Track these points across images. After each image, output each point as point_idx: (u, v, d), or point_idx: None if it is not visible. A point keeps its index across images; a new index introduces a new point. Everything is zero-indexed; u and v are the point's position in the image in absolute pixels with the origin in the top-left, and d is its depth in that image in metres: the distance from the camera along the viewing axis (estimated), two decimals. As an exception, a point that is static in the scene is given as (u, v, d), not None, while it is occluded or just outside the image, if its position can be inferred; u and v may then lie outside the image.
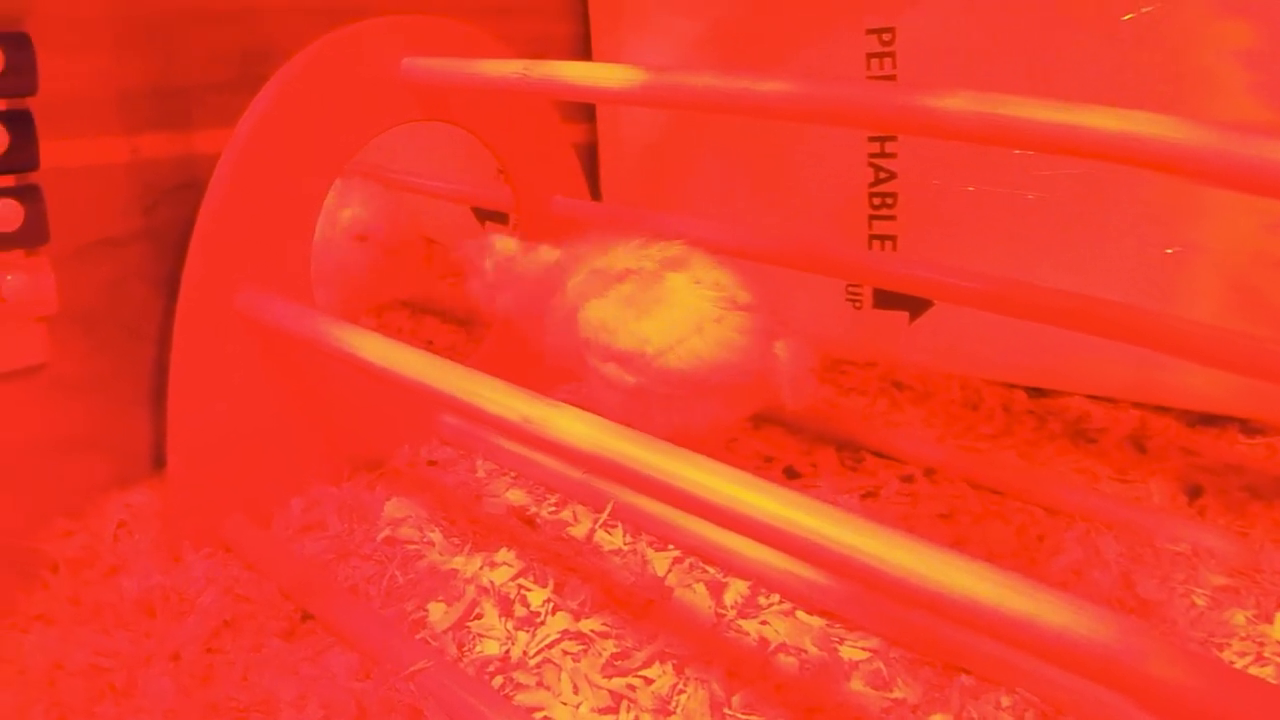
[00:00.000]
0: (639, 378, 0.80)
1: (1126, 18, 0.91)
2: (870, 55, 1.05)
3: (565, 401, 0.59)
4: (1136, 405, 1.00)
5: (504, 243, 0.91)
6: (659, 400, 0.81)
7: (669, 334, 0.79)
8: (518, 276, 0.90)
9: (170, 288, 0.86)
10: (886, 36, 1.04)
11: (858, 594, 0.70)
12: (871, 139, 1.08)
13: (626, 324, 0.80)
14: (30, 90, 0.76)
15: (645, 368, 0.80)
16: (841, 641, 0.69)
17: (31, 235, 0.77)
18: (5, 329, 0.79)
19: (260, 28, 0.94)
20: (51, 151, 0.78)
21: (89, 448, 0.87)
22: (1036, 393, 1.05)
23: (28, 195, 0.77)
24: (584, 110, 1.27)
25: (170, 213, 0.89)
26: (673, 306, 0.80)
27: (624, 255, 0.83)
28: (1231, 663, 0.66)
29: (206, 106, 0.91)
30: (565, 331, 0.85)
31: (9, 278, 0.77)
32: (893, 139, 1.06)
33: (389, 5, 0.89)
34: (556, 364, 0.89)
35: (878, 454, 0.94)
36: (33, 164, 0.77)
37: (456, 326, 1.23)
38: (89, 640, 0.73)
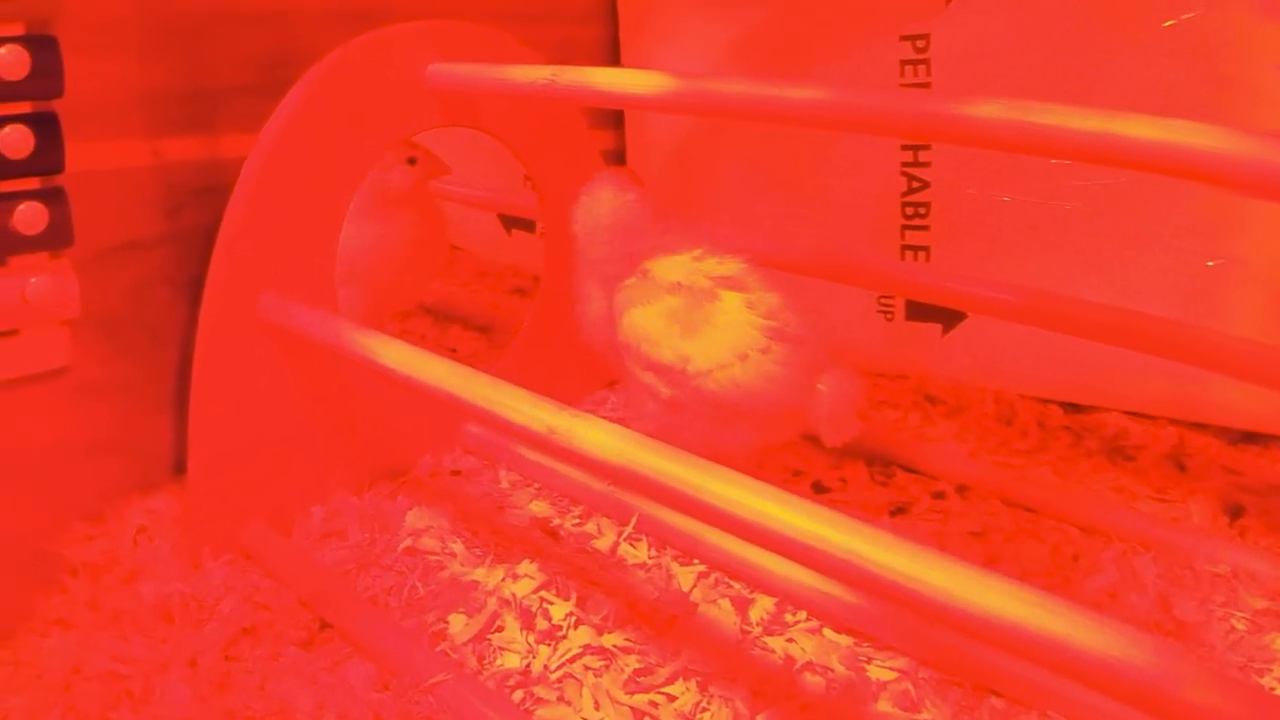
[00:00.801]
0: (675, 392, 0.80)
1: (1167, 24, 0.90)
2: (904, 62, 1.05)
3: (591, 412, 0.59)
4: (1175, 422, 0.99)
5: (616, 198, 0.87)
6: (693, 416, 0.80)
7: (711, 357, 0.78)
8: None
9: (194, 292, 0.87)
10: (920, 43, 1.03)
11: (886, 612, 0.69)
12: (904, 147, 1.07)
13: (670, 338, 0.80)
14: (57, 93, 0.77)
15: (683, 384, 0.79)
16: (869, 661, 0.69)
17: (56, 238, 0.78)
18: (28, 332, 0.79)
19: (287, 32, 0.95)
20: (77, 154, 0.79)
21: (110, 452, 0.88)
22: (1072, 408, 1.04)
23: (53, 198, 0.78)
24: (612, 117, 1.27)
25: (194, 217, 0.90)
26: (719, 329, 0.79)
27: (678, 265, 0.82)
28: (1271, 689, 0.65)
29: (232, 110, 0.92)
30: (608, 328, 0.85)
31: (33, 280, 0.78)
32: (926, 147, 1.06)
33: (416, 10, 0.90)
34: (597, 349, 0.88)
35: (909, 469, 0.94)
36: (58, 167, 0.78)
37: (480, 334, 1.24)
38: (107, 646, 0.74)
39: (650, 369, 0.81)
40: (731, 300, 0.80)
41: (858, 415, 0.80)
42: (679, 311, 0.80)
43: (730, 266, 0.81)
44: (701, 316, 0.79)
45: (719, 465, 0.52)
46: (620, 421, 0.59)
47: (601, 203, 0.85)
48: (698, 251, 0.82)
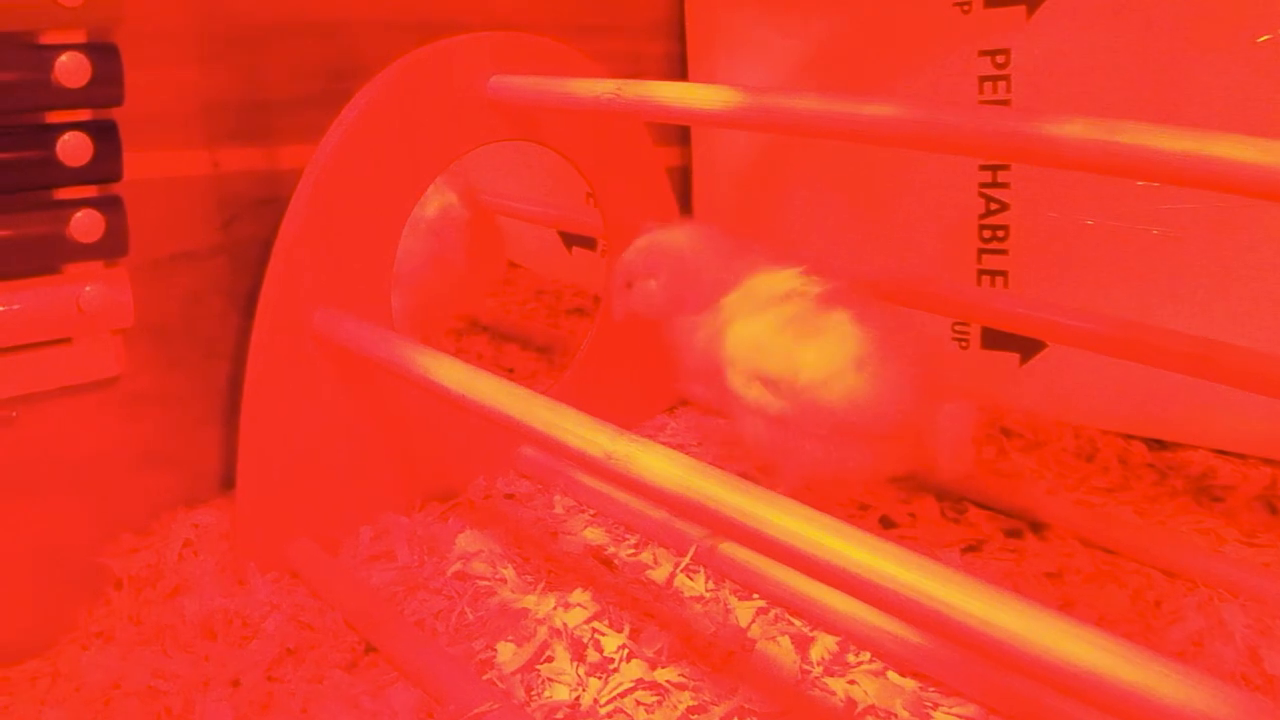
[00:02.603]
0: (785, 405, 0.79)
1: (1263, 39, 0.89)
2: (983, 78, 1.04)
3: (650, 438, 0.59)
4: (1268, 462, 0.97)
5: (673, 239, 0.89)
6: (804, 434, 0.79)
7: (826, 365, 0.77)
8: (679, 284, 0.88)
9: (247, 304, 0.88)
10: (1001, 59, 1.03)
11: (955, 656, 0.68)
12: (983, 167, 1.06)
13: (783, 346, 0.79)
14: (116, 101, 0.79)
15: (794, 396, 0.78)
16: (935, 707, 0.68)
17: (112, 247, 0.80)
18: (81, 340, 0.81)
19: (347, 43, 0.96)
20: (135, 163, 0.81)
21: (159, 464, 0.89)
22: (1157, 445, 1.02)
23: (109, 206, 0.80)
24: (678, 133, 1.28)
25: (250, 228, 0.92)
26: (834, 339, 0.78)
27: (786, 279, 0.82)
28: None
29: (290, 121, 0.93)
30: (706, 348, 0.85)
31: (87, 289, 0.79)
32: (1005, 168, 1.05)
33: (478, 21, 0.91)
34: (688, 383, 0.88)
35: (982, 505, 0.93)
36: (116, 175, 0.80)
37: (538, 354, 1.24)
38: (148, 661, 0.75)
39: (759, 380, 0.80)
40: (840, 315, 0.79)
41: (973, 448, 0.79)
42: (794, 318, 0.79)
43: (836, 283, 0.81)
44: (817, 325, 0.79)
45: (782, 496, 0.52)
46: (680, 448, 0.59)
47: (681, 234, 0.86)
48: (801, 268, 0.82)
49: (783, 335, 0.79)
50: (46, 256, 0.78)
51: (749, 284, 0.83)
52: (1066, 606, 0.78)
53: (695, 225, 0.88)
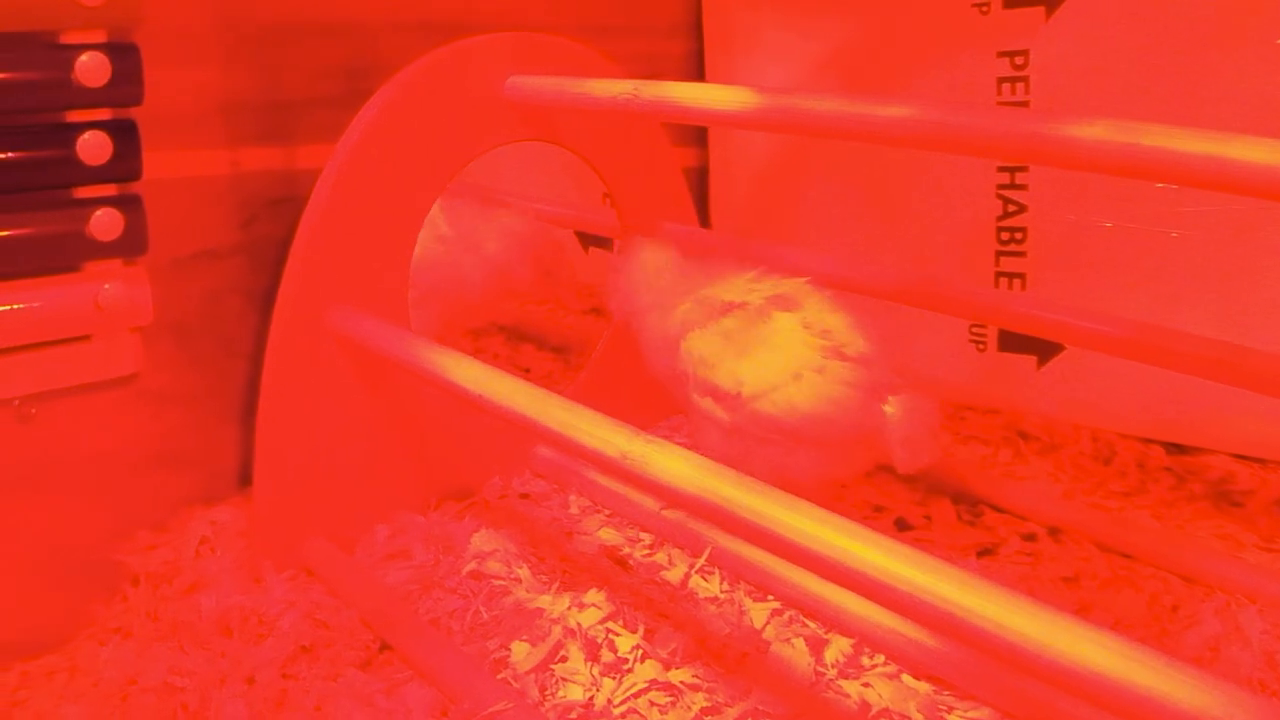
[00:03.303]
0: (734, 418, 0.80)
1: (1285, 41, 0.89)
2: (1001, 80, 1.04)
3: (666, 438, 0.59)
4: (1287, 467, 0.96)
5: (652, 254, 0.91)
6: (755, 443, 0.80)
7: (764, 378, 0.78)
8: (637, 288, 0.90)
9: (265, 303, 0.89)
10: (1019, 60, 1.02)
11: (969, 659, 0.68)
12: (1000, 169, 1.06)
13: (725, 361, 0.80)
14: (136, 100, 0.79)
15: (740, 409, 0.79)
16: (950, 710, 0.67)
17: (131, 245, 0.81)
18: (100, 338, 0.82)
19: (366, 43, 0.97)
20: (154, 162, 0.82)
21: (176, 461, 0.90)
22: (1175, 449, 1.02)
23: (129, 205, 0.80)
24: (695, 133, 1.28)
25: (268, 227, 0.92)
26: (773, 349, 0.79)
27: (734, 287, 0.83)
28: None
29: (309, 121, 0.94)
30: (668, 358, 0.85)
31: (106, 287, 0.80)
32: (1024, 169, 1.05)
33: (496, 22, 0.91)
34: (662, 386, 0.89)
35: (998, 509, 0.92)
36: (136, 174, 0.81)
37: (554, 354, 1.24)
38: (165, 657, 0.75)
39: (709, 394, 0.81)
40: (785, 320, 0.79)
41: (935, 440, 0.78)
42: (733, 332, 0.80)
43: (787, 286, 0.81)
44: (756, 336, 0.79)
45: (797, 498, 0.52)
46: (694, 448, 0.59)
47: (650, 250, 0.87)
48: (755, 272, 0.82)
49: (727, 348, 0.79)
50: (66, 254, 0.79)
51: (701, 293, 0.83)
52: (1083, 611, 0.78)
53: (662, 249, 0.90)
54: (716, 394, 0.80)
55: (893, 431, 0.78)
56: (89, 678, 0.75)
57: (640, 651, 0.73)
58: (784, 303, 0.81)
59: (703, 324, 0.82)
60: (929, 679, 0.70)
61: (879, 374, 0.79)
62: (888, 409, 0.78)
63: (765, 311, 0.80)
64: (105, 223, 0.79)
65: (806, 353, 0.78)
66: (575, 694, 0.70)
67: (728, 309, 0.81)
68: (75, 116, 0.77)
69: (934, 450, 0.79)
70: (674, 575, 0.82)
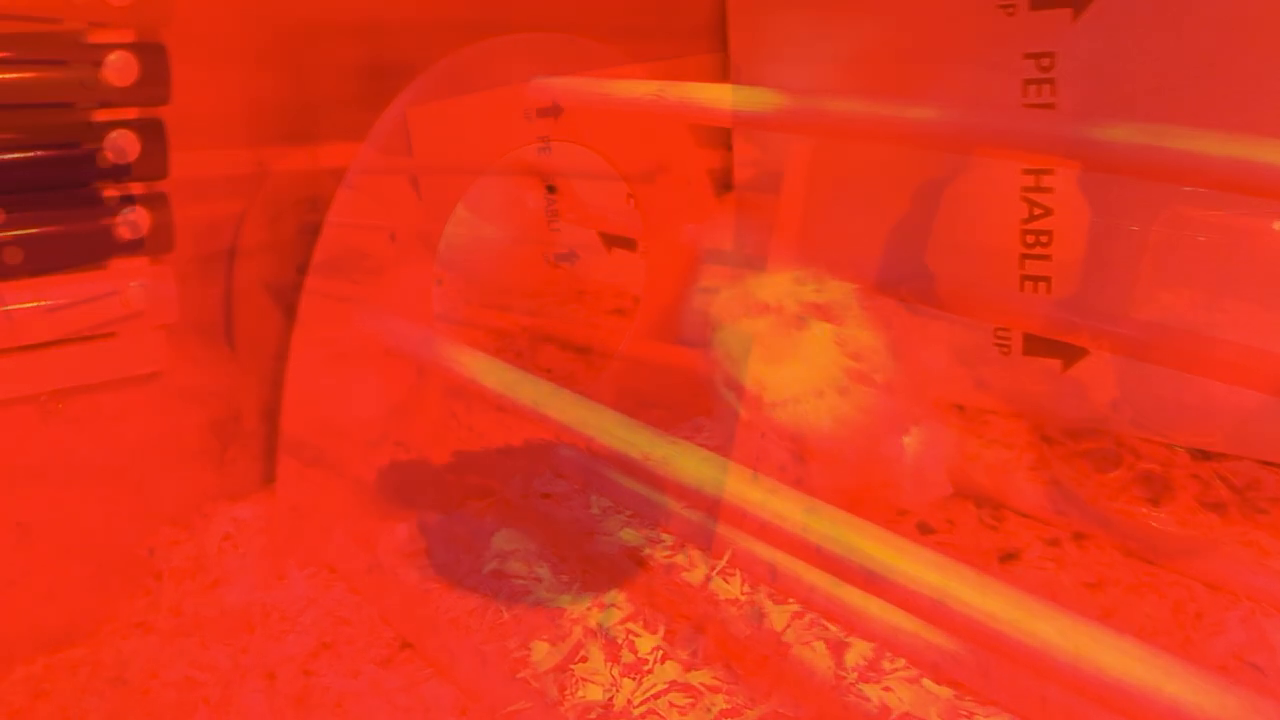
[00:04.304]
0: (752, 416, 0.79)
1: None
2: (1028, 82, 1.03)
3: (687, 439, 0.59)
4: (1316, 474, 0.96)
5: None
6: (770, 444, 0.80)
7: (787, 389, 0.78)
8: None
9: (290, 301, 0.89)
10: (1046, 62, 1.02)
11: (991, 665, 0.68)
12: (1026, 171, 1.05)
13: (753, 361, 0.80)
14: (163, 100, 0.80)
15: (758, 411, 0.79)
16: (971, 716, 0.67)
17: (157, 243, 0.81)
18: (126, 335, 0.82)
19: (390, 43, 0.97)
20: (180, 161, 0.82)
21: (200, 458, 0.90)
22: (1201, 455, 1.01)
23: (155, 203, 0.81)
24: (720, 135, 1.28)
25: (293, 226, 0.92)
26: (802, 361, 0.78)
27: (774, 285, 0.82)
28: None
29: (334, 121, 0.94)
30: (704, 334, 0.85)
31: (133, 284, 0.81)
32: (1050, 172, 1.04)
33: (520, 22, 0.91)
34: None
35: (1021, 513, 0.92)
36: (162, 173, 0.81)
37: (577, 354, 1.25)
38: (187, 652, 0.76)
39: (732, 389, 0.80)
40: (820, 332, 0.79)
41: (947, 477, 0.78)
42: (765, 335, 0.79)
43: (829, 294, 0.81)
44: (786, 344, 0.79)
45: (820, 501, 0.52)
46: (717, 450, 0.59)
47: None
48: (800, 273, 0.82)
49: (755, 350, 0.79)
50: (92, 252, 0.80)
51: (744, 285, 0.83)
52: (1106, 617, 0.77)
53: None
54: (739, 390, 0.80)
55: (906, 465, 0.77)
56: (111, 671, 0.76)
57: (660, 652, 0.73)
58: (823, 312, 0.80)
59: (737, 319, 0.81)
60: (950, 684, 0.70)
61: (903, 403, 0.78)
62: (906, 441, 0.77)
63: (800, 320, 0.80)
64: (132, 221, 0.79)
65: (834, 371, 0.77)
66: (595, 694, 0.70)
67: (763, 309, 0.81)
68: (103, 115, 0.78)
69: (944, 487, 0.78)
70: (695, 577, 0.82)
